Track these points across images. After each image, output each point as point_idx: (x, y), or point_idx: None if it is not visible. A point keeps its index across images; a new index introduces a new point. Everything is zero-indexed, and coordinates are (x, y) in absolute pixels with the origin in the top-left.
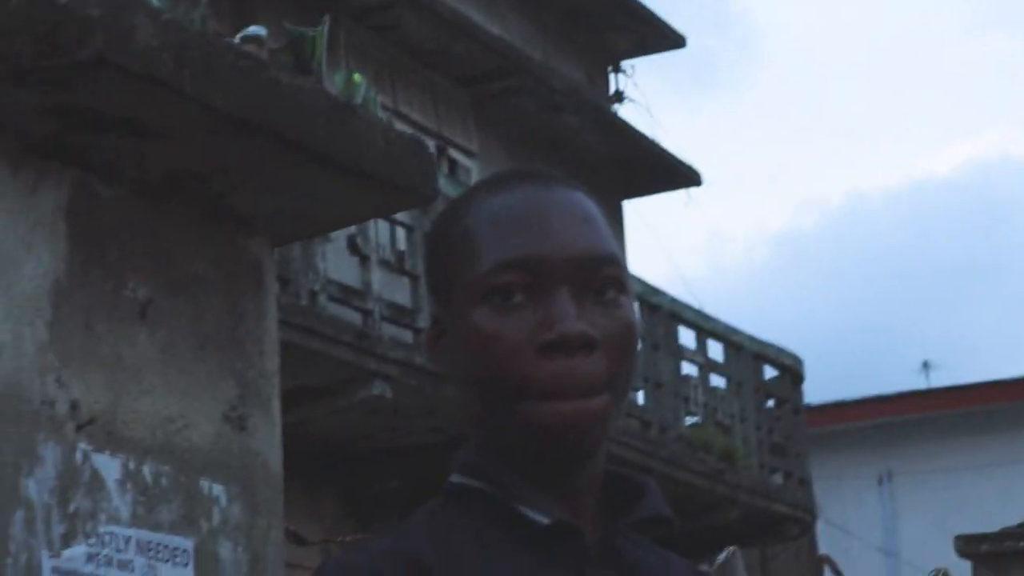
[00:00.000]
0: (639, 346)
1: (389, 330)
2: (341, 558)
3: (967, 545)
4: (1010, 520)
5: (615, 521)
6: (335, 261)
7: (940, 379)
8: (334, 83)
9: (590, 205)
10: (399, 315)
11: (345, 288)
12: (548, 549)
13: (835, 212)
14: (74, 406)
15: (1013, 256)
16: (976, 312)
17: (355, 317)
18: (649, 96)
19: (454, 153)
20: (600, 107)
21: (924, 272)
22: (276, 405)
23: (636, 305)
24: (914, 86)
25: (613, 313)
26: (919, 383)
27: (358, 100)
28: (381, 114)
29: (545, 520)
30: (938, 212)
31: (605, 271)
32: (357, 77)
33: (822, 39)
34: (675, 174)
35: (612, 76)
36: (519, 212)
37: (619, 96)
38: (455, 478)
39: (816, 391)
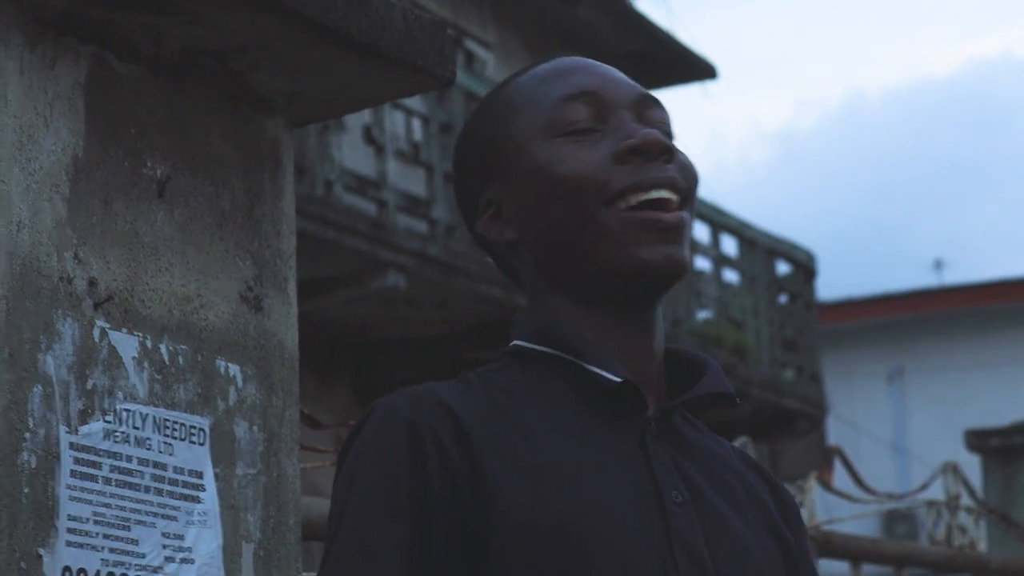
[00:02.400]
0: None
1: (404, 221)
2: (382, 399)
3: (977, 439)
4: (1018, 416)
5: (676, 397)
6: (351, 151)
7: (952, 277)
8: None
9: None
10: (414, 206)
11: (360, 178)
12: (610, 414)
13: (834, 111)
14: (92, 283)
15: (1015, 156)
16: (982, 211)
17: (370, 207)
18: None
19: (471, 45)
20: None
21: (924, 172)
22: (292, 286)
23: None
24: None
25: (676, 152)
26: (931, 281)
27: None
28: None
29: (616, 379)
30: (938, 112)
31: (655, 113)
32: None
33: None
34: (691, 67)
35: None
36: (566, 65)
37: None
38: (516, 343)
39: (826, 288)
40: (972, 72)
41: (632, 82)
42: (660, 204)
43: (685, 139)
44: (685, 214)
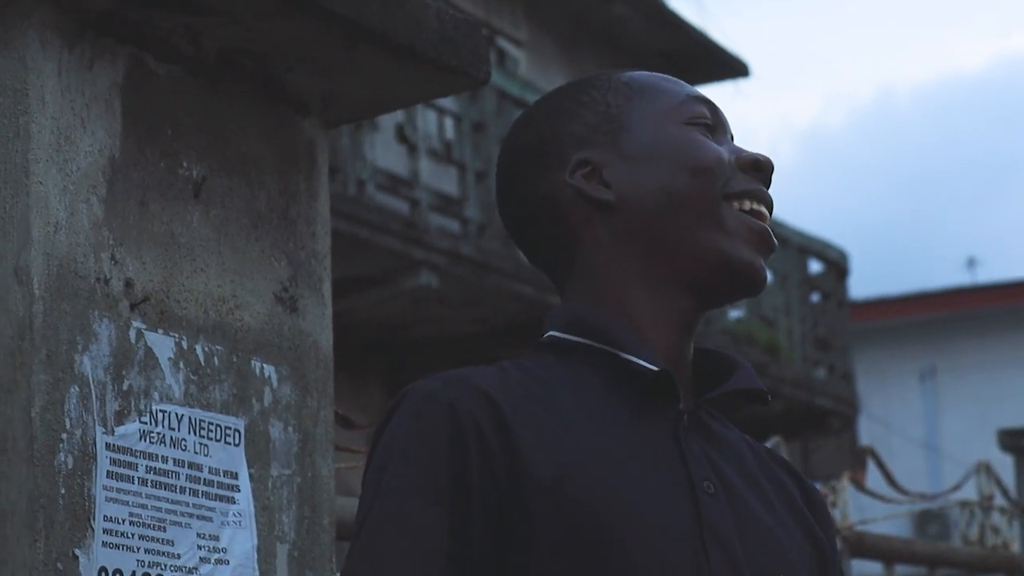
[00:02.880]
0: None
1: (436, 220)
2: (419, 383)
3: (1010, 439)
4: None
5: (705, 393)
6: (383, 150)
7: (984, 275)
8: None
9: None
10: (446, 205)
11: (393, 177)
12: (645, 405)
13: (863, 108)
14: (128, 284)
15: None
16: (1014, 209)
17: (403, 207)
18: None
19: (503, 43)
20: None
21: (955, 169)
22: (327, 286)
23: None
24: None
25: None
26: (963, 279)
27: None
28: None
29: (653, 368)
30: (968, 108)
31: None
32: None
33: None
34: (723, 65)
35: None
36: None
37: None
38: (552, 334)
39: (859, 286)
40: (1002, 68)
41: None
42: (762, 218)
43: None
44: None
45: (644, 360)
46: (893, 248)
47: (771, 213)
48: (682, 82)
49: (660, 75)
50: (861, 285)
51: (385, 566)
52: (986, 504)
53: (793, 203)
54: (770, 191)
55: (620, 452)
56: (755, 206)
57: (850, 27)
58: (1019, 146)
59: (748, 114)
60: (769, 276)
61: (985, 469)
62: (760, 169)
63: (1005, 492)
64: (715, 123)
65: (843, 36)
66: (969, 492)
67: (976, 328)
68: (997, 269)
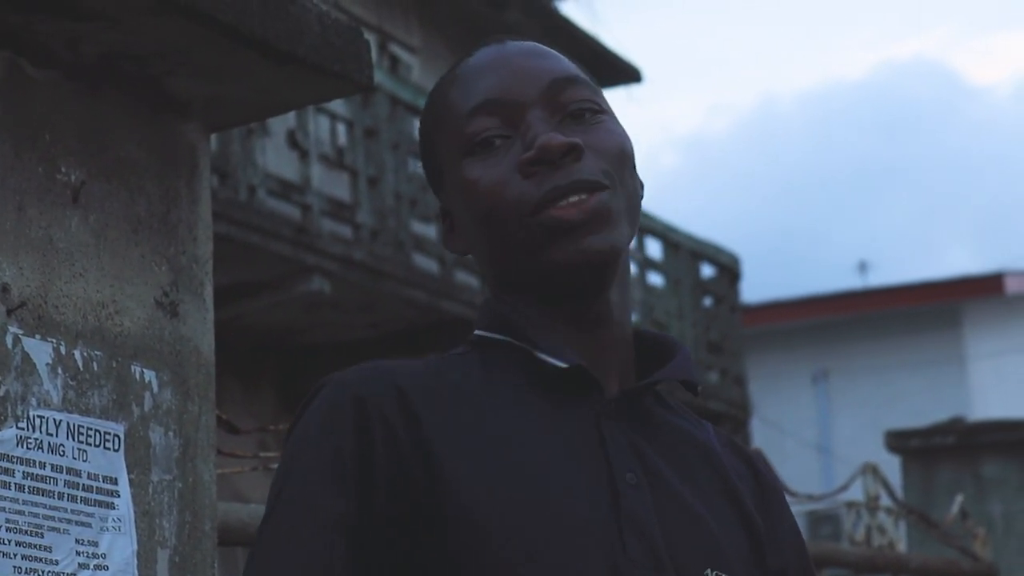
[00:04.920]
0: (635, 166)
1: (328, 225)
2: (333, 375)
3: (896, 440)
4: (940, 417)
5: (645, 378)
6: (275, 156)
7: (876, 279)
8: None
9: (544, 46)
10: (338, 210)
11: (284, 183)
12: (565, 399)
13: (746, 115)
14: (5, 289)
15: (927, 159)
16: (898, 214)
17: (294, 212)
18: None
19: (396, 49)
20: (542, 3)
21: (839, 175)
22: (209, 291)
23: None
24: None
25: (595, 131)
26: (855, 283)
27: None
28: (321, 4)
29: (563, 364)
30: (850, 115)
31: (570, 92)
32: None
33: None
34: (616, 71)
35: None
36: (479, 67)
37: None
38: (477, 332)
39: (751, 291)
40: (883, 75)
41: (547, 65)
42: (571, 206)
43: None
44: (602, 197)
45: (558, 357)
46: (783, 253)
47: (600, 153)
48: (476, 70)
49: (462, 74)
50: (753, 290)
51: (288, 548)
52: (872, 505)
53: (681, 209)
54: (592, 159)
55: (538, 447)
56: (559, 203)
57: (732, 35)
58: (900, 152)
59: (631, 121)
60: (661, 280)
61: (872, 470)
62: (544, 161)
63: (891, 493)
64: (507, 116)
65: (726, 44)
66: (856, 493)
67: (867, 331)
68: (888, 273)
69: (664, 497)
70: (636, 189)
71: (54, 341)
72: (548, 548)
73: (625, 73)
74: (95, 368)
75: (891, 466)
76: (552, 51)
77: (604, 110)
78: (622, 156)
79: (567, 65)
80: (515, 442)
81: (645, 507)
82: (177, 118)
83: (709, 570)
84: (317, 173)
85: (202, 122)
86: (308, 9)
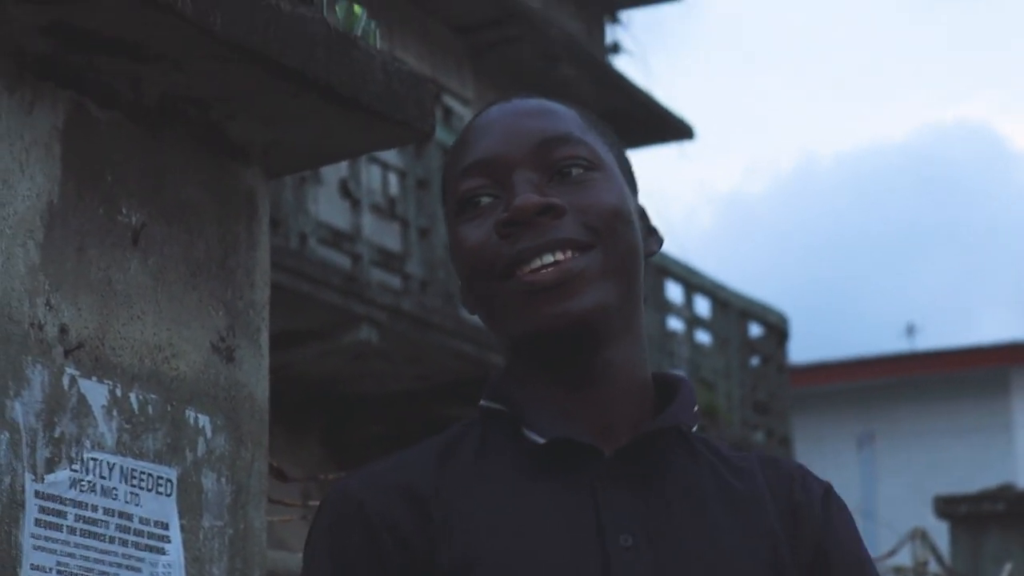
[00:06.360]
0: (631, 223)
1: (378, 275)
2: (340, 481)
3: (946, 506)
4: (986, 484)
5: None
6: (326, 205)
7: (923, 342)
8: (335, 13)
9: (546, 102)
10: (388, 260)
11: (335, 232)
12: (559, 467)
13: (785, 175)
14: (63, 330)
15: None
16: (941, 276)
17: (345, 261)
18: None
19: (449, 100)
20: (596, 58)
21: (880, 236)
22: (265, 337)
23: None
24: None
25: (582, 188)
26: (903, 346)
27: (358, 31)
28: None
29: (540, 440)
30: (892, 176)
31: (560, 151)
32: (358, 9)
33: None
34: (669, 127)
35: (608, 27)
36: (479, 126)
37: (616, 47)
38: (482, 402)
39: (796, 351)
40: (926, 138)
41: (539, 124)
42: (543, 268)
43: (666, 199)
44: (579, 258)
45: (542, 428)
46: (823, 312)
47: (584, 213)
48: (473, 133)
49: (462, 137)
50: (798, 350)
51: None
52: (920, 570)
53: (721, 268)
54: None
55: (529, 524)
56: (528, 268)
57: (773, 94)
58: (942, 215)
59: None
60: (709, 338)
61: (920, 535)
62: (518, 223)
63: (940, 559)
64: (496, 177)
65: (767, 102)
66: (904, 558)
67: (914, 395)
68: (936, 336)
69: (669, 553)
70: (633, 245)
71: (110, 383)
72: None
73: (677, 130)
74: (150, 411)
75: (937, 532)
76: (557, 108)
77: (597, 167)
78: (613, 212)
79: (564, 123)
80: (508, 523)
81: (638, 568)
82: (237, 162)
83: None
84: (368, 223)
85: (262, 167)
86: (372, 56)
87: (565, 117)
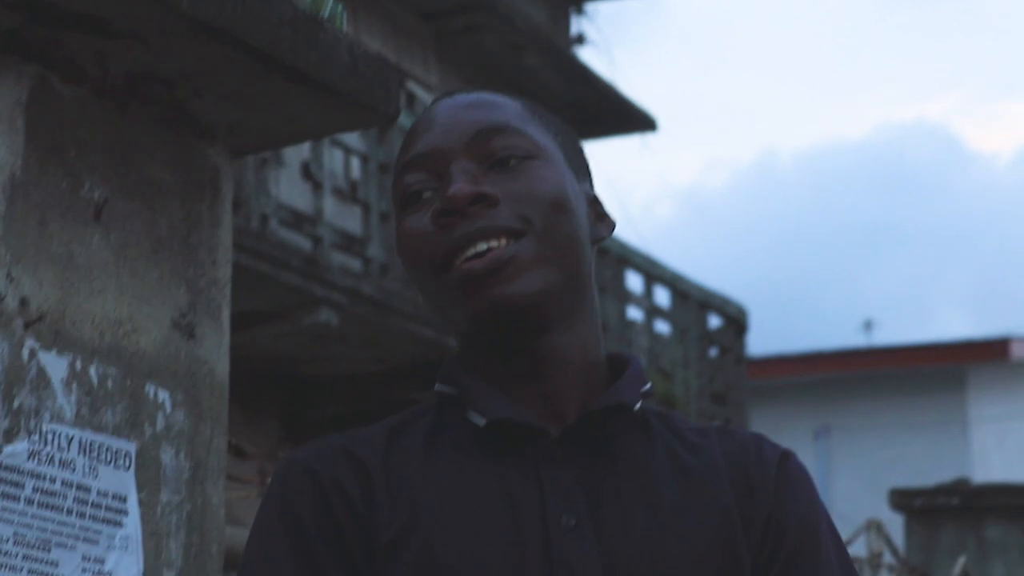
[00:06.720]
0: (569, 210)
1: (339, 258)
2: (290, 451)
3: (901, 499)
4: (940, 479)
5: (588, 412)
6: (288, 186)
7: (881, 337)
8: None
9: (487, 95)
10: (349, 243)
11: (297, 214)
12: (505, 448)
13: (745, 170)
14: (24, 302)
15: (927, 220)
16: (899, 273)
17: (305, 243)
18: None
19: (412, 86)
20: (561, 48)
21: (838, 233)
22: (226, 314)
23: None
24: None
25: (518, 177)
26: (860, 341)
27: (325, 14)
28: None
29: (481, 421)
30: (851, 174)
31: (496, 141)
32: None
33: None
34: (632, 119)
35: (574, 18)
36: (421, 121)
37: (581, 38)
38: (436, 386)
39: (754, 344)
40: (885, 136)
41: (476, 116)
42: (477, 255)
43: (627, 189)
44: (512, 245)
45: (487, 410)
46: (780, 307)
47: (517, 201)
48: (415, 128)
49: (410, 129)
50: (757, 343)
51: None
52: (875, 562)
53: (678, 259)
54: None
55: (473, 505)
56: (463, 256)
57: (735, 88)
58: (900, 213)
59: (632, 169)
60: (668, 329)
61: (876, 527)
62: (452, 212)
63: (894, 551)
64: (434, 170)
65: (727, 97)
66: (859, 549)
67: (870, 390)
68: (893, 332)
69: (614, 533)
70: (572, 231)
71: (70, 356)
72: None
73: (640, 121)
74: (109, 385)
75: (892, 525)
76: (497, 99)
77: (535, 156)
78: (550, 199)
79: (503, 114)
80: (450, 501)
81: (581, 550)
82: (202, 141)
83: None
84: (330, 205)
85: (226, 145)
86: (339, 38)
87: (504, 108)
